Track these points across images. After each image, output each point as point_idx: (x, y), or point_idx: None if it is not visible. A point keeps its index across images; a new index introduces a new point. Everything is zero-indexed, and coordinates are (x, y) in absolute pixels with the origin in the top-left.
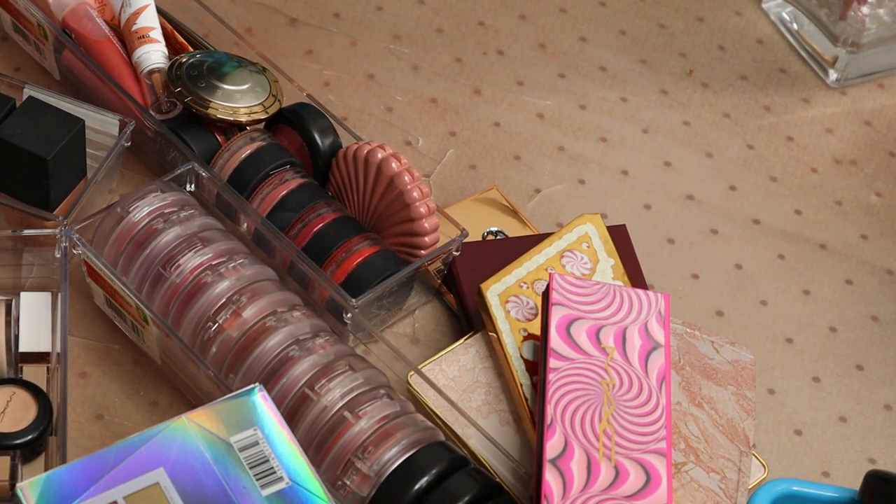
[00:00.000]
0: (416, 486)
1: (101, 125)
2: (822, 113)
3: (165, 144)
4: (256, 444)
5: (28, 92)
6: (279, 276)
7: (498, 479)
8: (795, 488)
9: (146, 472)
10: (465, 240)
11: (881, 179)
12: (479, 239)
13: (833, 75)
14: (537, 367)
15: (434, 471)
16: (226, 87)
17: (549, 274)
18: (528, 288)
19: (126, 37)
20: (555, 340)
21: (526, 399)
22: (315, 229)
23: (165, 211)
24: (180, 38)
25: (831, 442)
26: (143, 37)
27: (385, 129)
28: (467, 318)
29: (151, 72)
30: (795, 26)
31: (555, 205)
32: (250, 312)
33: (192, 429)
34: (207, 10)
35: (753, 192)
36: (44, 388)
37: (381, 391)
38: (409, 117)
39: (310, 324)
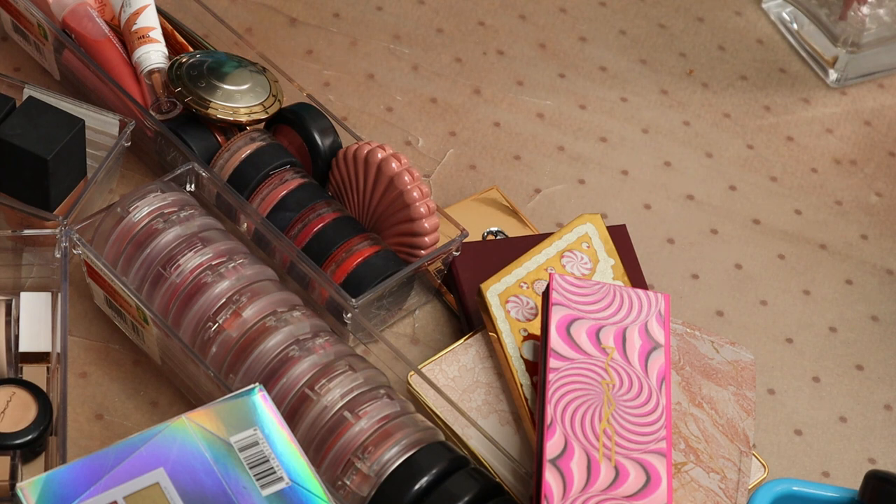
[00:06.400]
0: (416, 486)
1: (101, 125)
2: (822, 113)
3: (165, 144)
4: (256, 444)
5: (28, 92)
6: (279, 276)
7: (498, 479)
8: (795, 488)
9: (146, 472)
10: (465, 240)
11: (881, 179)
12: (479, 239)
13: (833, 75)
14: (537, 367)
15: (434, 471)
16: (226, 87)
17: (549, 274)
18: (528, 288)
19: (126, 37)
20: (555, 340)
21: (526, 399)
22: (315, 229)
23: (165, 211)
24: (180, 38)
25: (831, 442)
26: (143, 37)
27: (385, 129)
28: (467, 318)
29: (151, 72)
30: (795, 26)
31: (555, 205)
32: (250, 312)
33: (192, 429)
34: (207, 10)
35: (753, 192)
36: (44, 388)
37: (381, 391)
38: (409, 117)
39: (310, 324)
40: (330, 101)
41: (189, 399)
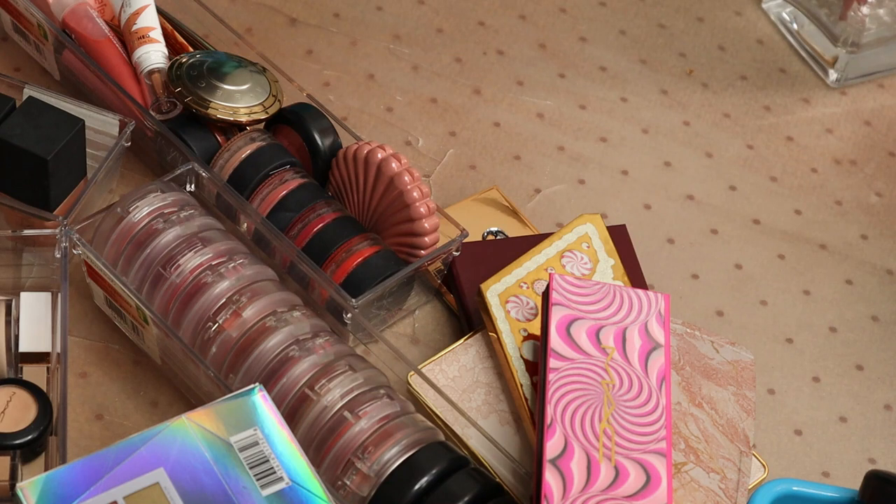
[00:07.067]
0: (416, 486)
1: (101, 125)
2: (822, 113)
3: (165, 144)
4: (256, 444)
5: (28, 92)
6: (279, 276)
7: (498, 479)
8: (795, 488)
9: (146, 472)
10: (465, 240)
11: (881, 179)
12: (479, 239)
13: (833, 75)
14: (537, 367)
15: (434, 471)
16: (226, 87)
17: (549, 274)
18: (528, 288)
19: (126, 37)
20: (555, 340)
21: (526, 399)
22: (315, 229)
23: (165, 211)
24: (180, 38)
25: (831, 442)
26: (143, 37)
27: (385, 129)
28: (467, 318)
29: (151, 72)
30: (795, 26)
31: (555, 205)
32: (250, 312)
33: (192, 429)
34: (207, 10)
35: (753, 192)
36: (44, 388)
37: (381, 391)
38: (409, 117)
39: (310, 324)
40: (330, 101)
41: (189, 399)
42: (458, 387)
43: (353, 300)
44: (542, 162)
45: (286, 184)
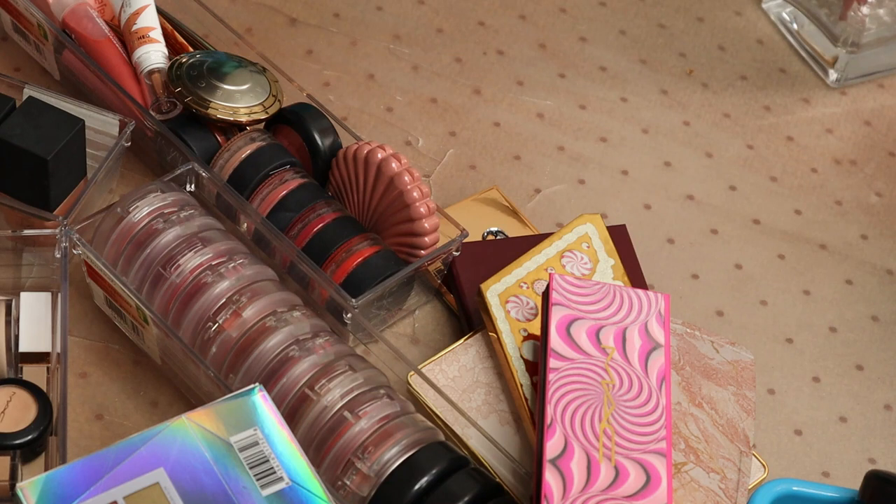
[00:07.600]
0: (416, 486)
1: (101, 125)
2: (822, 113)
3: (165, 144)
4: (256, 444)
5: (28, 92)
6: (279, 276)
7: (498, 479)
8: (795, 488)
9: (146, 472)
10: (465, 240)
11: (881, 179)
12: (479, 239)
13: (833, 75)
14: (537, 367)
15: (434, 471)
16: (226, 87)
17: (549, 274)
18: (528, 288)
19: (126, 37)
20: (555, 340)
21: (526, 399)
22: (315, 229)
23: (165, 211)
24: (180, 38)
25: (831, 442)
26: (143, 37)
27: (385, 129)
28: (467, 318)
29: (151, 72)
30: (795, 26)
31: (555, 205)
32: (250, 312)
33: (192, 429)
34: (207, 10)
35: (753, 192)
36: (44, 388)
37: (381, 391)
38: (409, 117)
39: (310, 324)
40: (330, 101)
41: (189, 399)
42: (458, 387)
43: (353, 300)
44: (542, 162)
45: (286, 184)
